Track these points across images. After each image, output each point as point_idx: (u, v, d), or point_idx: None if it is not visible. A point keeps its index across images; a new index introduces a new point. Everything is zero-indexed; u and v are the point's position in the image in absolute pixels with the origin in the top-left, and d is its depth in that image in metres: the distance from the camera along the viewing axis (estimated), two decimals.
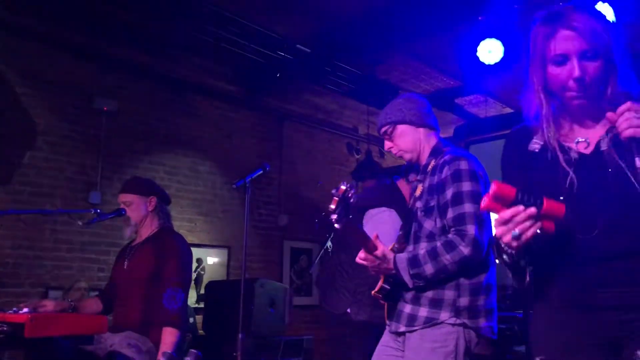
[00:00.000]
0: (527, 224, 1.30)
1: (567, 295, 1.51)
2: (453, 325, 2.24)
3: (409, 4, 5.19)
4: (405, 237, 2.49)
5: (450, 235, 2.25)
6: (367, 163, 7.51)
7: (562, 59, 1.48)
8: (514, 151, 1.69)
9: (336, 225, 2.35)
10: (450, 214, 2.27)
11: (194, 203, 6.57)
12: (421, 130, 2.51)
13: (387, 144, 2.57)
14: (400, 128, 2.52)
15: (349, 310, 3.30)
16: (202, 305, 5.55)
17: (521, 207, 1.30)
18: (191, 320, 5.57)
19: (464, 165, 2.31)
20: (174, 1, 5.03)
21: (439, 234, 2.32)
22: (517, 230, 1.30)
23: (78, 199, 5.56)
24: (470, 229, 2.20)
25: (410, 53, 6.23)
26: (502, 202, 1.32)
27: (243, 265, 3.29)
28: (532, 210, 1.30)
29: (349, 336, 3.31)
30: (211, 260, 6.71)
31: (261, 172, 3.50)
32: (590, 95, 1.48)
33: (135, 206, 3.34)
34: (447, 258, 2.21)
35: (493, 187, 1.33)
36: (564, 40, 1.48)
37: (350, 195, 2.30)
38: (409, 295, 2.35)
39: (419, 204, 2.43)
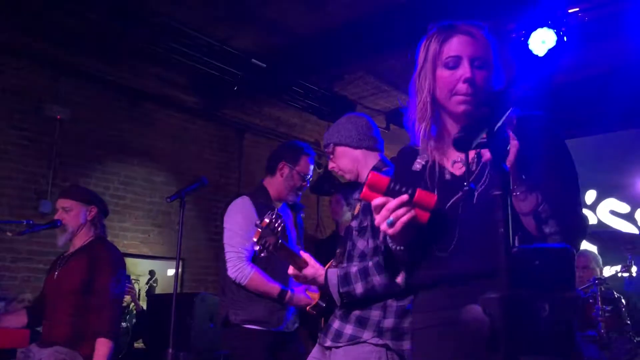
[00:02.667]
0: (400, 211, 1.36)
1: (436, 310, 1.54)
2: (376, 345, 2.27)
3: (366, 22, 5.28)
4: (342, 256, 2.52)
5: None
6: (325, 177, 7.56)
7: (454, 62, 1.50)
8: (401, 171, 1.72)
9: (262, 255, 2.43)
10: (382, 236, 2.30)
11: (148, 214, 6.52)
12: (359, 151, 2.55)
13: (330, 164, 2.63)
14: (339, 149, 2.57)
15: (229, 312, 3.13)
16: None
17: (393, 197, 1.37)
18: (124, 324, 5.47)
19: None
20: (131, 11, 5.03)
21: (371, 254, 2.35)
22: (391, 217, 1.35)
23: (27, 207, 5.47)
24: None
25: (368, 71, 6.32)
26: (378, 191, 1.38)
27: (175, 281, 3.27)
28: (404, 197, 1.35)
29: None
30: (165, 272, 6.66)
31: (198, 186, 3.48)
32: (477, 103, 1.49)
33: (75, 213, 3.27)
34: (377, 279, 2.24)
35: (369, 177, 1.40)
36: (459, 44, 1.51)
37: (277, 225, 2.38)
38: (338, 312, 2.39)
39: (354, 223, 2.47)
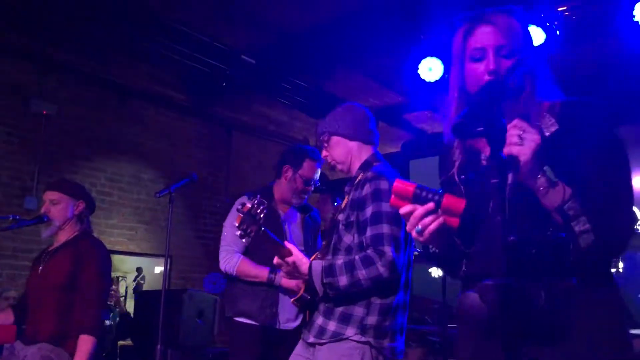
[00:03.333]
0: (428, 219, 1.32)
1: (467, 309, 1.45)
2: (358, 342, 2.26)
3: (355, 20, 5.27)
4: (327, 248, 2.51)
5: (369, 251, 2.26)
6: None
7: (480, 54, 1.47)
8: (444, 165, 1.66)
9: (243, 240, 2.40)
10: (368, 232, 2.28)
11: (135, 211, 6.47)
12: (354, 143, 2.52)
13: (324, 152, 2.59)
14: (335, 139, 2.53)
15: (225, 306, 3.21)
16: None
17: (420, 205, 1.33)
18: (108, 322, 5.43)
19: (384, 185, 2.31)
20: (120, 7, 4.98)
21: (357, 249, 2.34)
22: (419, 226, 1.32)
23: (12, 204, 5.41)
24: (388, 250, 2.22)
25: (357, 68, 6.32)
26: (405, 199, 1.34)
27: (164, 277, 3.24)
28: (430, 205, 1.31)
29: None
30: (152, 269, 6.62)
31: (187, 182, 3.45)
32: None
33: (63, 206, 3.18)
34: (362, 273, 2.22)
35: (394, 185, 1.37)
36: (482, 35, 1.48)
37: (259, 210, 2.35)
38: (322, 307, 2.37)
39: (341, 217, 2.44)
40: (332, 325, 2.28)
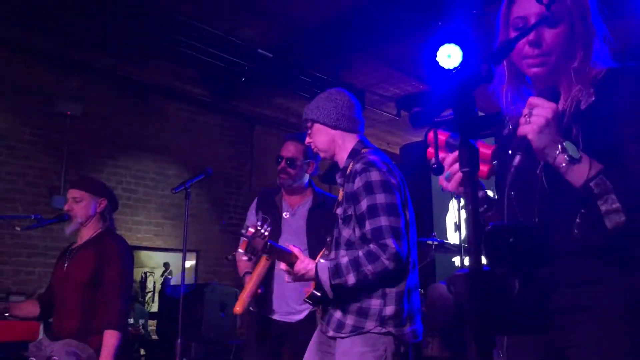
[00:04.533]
0: (456, 166, 1.32)
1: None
2: (379, 334, 2.26)
3: (371, 9, 5.23)
4: (331, 244, 2.49)
5: (372, 245, 2.24)
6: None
7: (522, 23, 1.40)
8: (497, 138, 1.63)
9: (250, 261, 2.44)
10: (367, 226, 2.26)
11: (161, 207, 6.57)
12: (336, 132, 2.45)
13: (307, 139, 2.54)
14: (316, 126, 2.47)
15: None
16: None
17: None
18: (141, 321, 5.55)
19: (374, 176, 2.27)
20: (138, 6, 5.04)
21: (359, 242, 2.32)
22: (448, 172, 1.33)
23: (40, 203, 5.55)
24: (390, 243, 2.20)
25: (375, 57, 6.26)
26: (440, 148, 1.34)
27: (182, 271, 3.29)
28: (457, 153, 1.28)
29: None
30: (181, 264, 6.71)
31: (203, 177, 3.49)
32: (550, 64, 1.38)
33: (85, 204, 3.25)
34: (368, 269, 2.21)
35: (428, 135, 1.35)
36: (525, 2, 1.40)
37: (263, 231, 2.35)
38: (338, 301, 2.36)
39: (339, 211, 2.42)
40: (350, 320, 2.28)
